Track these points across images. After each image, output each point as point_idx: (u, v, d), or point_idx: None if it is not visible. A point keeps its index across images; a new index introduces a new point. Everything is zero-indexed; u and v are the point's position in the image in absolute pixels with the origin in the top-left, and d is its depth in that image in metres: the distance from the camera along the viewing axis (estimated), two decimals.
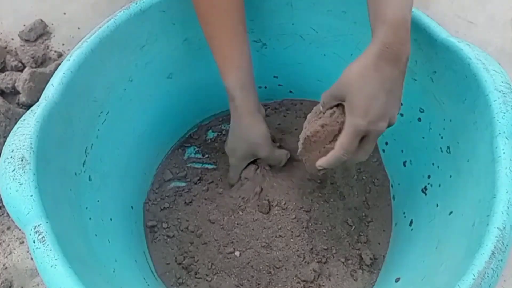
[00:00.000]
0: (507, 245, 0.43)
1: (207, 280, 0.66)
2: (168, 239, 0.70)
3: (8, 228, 0.76)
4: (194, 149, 0.78)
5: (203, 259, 0.67)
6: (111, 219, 0.61)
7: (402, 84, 0.51)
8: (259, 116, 0.66)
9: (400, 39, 0.49)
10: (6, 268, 0.73)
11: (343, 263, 0.66)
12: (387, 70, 0.49)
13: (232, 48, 0.62)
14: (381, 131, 0.51)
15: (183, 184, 0.75)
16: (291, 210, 0.68)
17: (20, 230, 0.76)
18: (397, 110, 0.53)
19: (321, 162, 0.55)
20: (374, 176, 0.73)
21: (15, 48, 0.94)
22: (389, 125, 0.52)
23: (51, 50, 0.96)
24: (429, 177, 0.63)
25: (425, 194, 0.64)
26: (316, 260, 0.66)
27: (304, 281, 0.64)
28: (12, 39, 0.97)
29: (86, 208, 0.56)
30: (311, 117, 0.57)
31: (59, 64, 0.55)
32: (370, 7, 0.52)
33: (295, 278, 0.65)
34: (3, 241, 0.76)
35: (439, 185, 0.61)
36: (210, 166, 0.76)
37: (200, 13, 0.60)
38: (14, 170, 0.46)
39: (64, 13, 1.00)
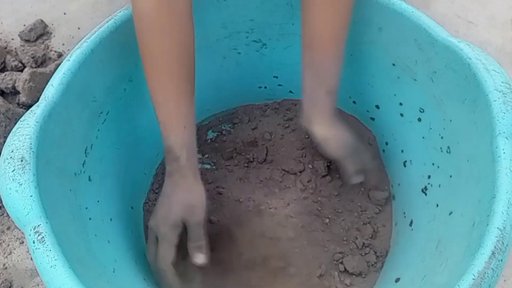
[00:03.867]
0: (507, 245, 0.43)
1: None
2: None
3: (8, 228, 0.76)
4: None
5: None
6: (111, 219, 0.61)
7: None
8: (199, 179, 0.61)
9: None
10: (6, 268, 0.73)
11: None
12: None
13: (178, 105, 0.58)
14: None
15: None
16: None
17: (20, 230, 0.76)
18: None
19: None
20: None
21: (15, 48, 0.94)
22: None
23: (51, 50, 0.96)
24: (429, 177, 0.63)
25: (425, 194, 0.64)
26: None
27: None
28: (12, 39, 0.97)
29: (86, 208, 0.56)
30: None
31: (59, 64, 0.55)
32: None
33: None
34: (3, 241, 0.76)
35: (439, 185, 0.61)
36: (209, 166, 0.76)
37: (145, 65, 0.57)
38: (13, 170, 0.46)
39: (64, 13, 1.00)
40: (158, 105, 0.58)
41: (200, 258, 0.60)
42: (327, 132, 0.63)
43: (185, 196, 0.59)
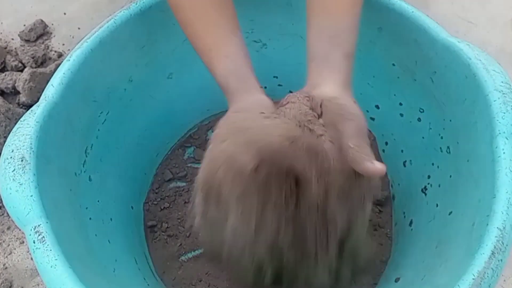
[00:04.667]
0: (507, 245, 0.43)
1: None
2: (168, 239, 0.70)
3: (8, 228, 0.77)
4: (194, 149, 0.78)
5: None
6: (111, 219, 0.61)
7: None
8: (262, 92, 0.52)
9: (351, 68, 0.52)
10: (6, 268, 0.73)
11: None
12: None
13: (217, 39, 0.52)
14: None
15: (183, 184, 0.75)
16: None
17: (20, 230, 0.76)
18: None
19: None
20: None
21: (15, 48, 0.94)
22: None
23: (51, 50, 0.96)
24: (429, 177, 0.63)
25: (425, 194, 0.64)
26: None
27: None
28: (12, 39, 0.97)
29: (86, 208, 0.56)
30: None
31: (59, 64, 0.55)
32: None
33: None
34: (3, 241, 0.76)
35: (439, 185, 0.61)
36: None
37: (179, 7, 0.53)
38: (14, 170, 0.46)
39: (64, 13, 1.00)
40: (198, 46, 0.53)
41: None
42: (343, 96, 0.49)
43: (244, 139, 0.47)
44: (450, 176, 0.58)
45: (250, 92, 0.51)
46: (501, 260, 0.43)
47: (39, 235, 0.44)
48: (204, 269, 0.67)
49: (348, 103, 0.48)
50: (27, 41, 0.96)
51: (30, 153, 0.47)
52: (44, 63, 0.93)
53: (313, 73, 0.51)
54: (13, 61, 0.91)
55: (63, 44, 0.97)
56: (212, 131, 0.79)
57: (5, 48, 0.95)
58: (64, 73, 0.54)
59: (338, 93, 0.48)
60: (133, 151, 0.69)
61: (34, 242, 0.43)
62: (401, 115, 0.67)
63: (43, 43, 0.96)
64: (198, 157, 0.77)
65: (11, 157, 0.47)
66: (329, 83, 0.49)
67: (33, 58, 0.91)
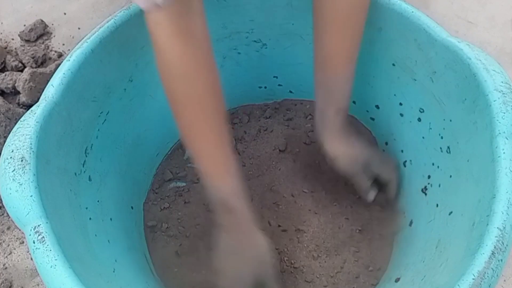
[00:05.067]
0: (507, 245, 0.43)
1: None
2: (168, 239, 0.69)
3: (8, 228, 0.76)
4: None
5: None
6: (111, 219, 0.61)
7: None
8: (257, 228, 0.56)
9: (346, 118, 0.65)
10: (6, 268, 0.73)
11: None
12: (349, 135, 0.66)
13: (224, 153, 0.55)
14: None
15: (183, 184, 0.75)
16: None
17: (20, 230, 0.76)
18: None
19: None
20: None
21: (15, 48, 0.94)
22: None
23: (51, 50, 0.96)
24: (429, 177, 0.63)
25: (425, 194, 0.64)
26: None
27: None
28: (12, 39, 0.97)
29: (86, 208, 0.56)
30: None
31: (59, 64, 0.55)
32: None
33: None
34: (3, 241, 0.76)
35: (439, 185, 0.61)
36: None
37: (176, 114, 0.54)
38: (14, 170, 0.46)
39: (64, 13, 1.00)
40: (201, 155, 0.55)
41: None
42: (337, 150, 0.63)
43: (253, 255, 0.56)
44: (450, 176, 0.58)
45: (254, 226, 0.56)
46: (501, 260, 0.43)
47: (39, 235, 0.44)
48: (203, 269, 0.67)
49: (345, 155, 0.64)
50: (27, 41, 0.96)
51: (30, 153, 0.47)
52: (44, 63, 0.93)
53: (317, 126, 0.64)
54: (13, 61, 0.91)
55: (63, 44, 0.97)
56: None
57: (5, 48, 0.95)
58: (64, 73, 0.54)
59: (336, 147, 0.64)
60: (133, 151, 0.69)
61: (34, 242, 0.44)
62: (401, 115, 0.67)
63: (43, 43, 0.96)
64: None
65: (11, 157, 0.47)
66: (327, 142, 0.63)
67: (33, 58, 0.91)
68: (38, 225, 0.44)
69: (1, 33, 0.98)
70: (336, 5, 0.57)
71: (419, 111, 0.64)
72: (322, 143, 0.64)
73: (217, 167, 0.55)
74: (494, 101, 0.50)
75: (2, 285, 0.71)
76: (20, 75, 0.88)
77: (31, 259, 0.73)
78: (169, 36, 0.51)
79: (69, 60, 0.55)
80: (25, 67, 0.91)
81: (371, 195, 0.66)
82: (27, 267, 0.73)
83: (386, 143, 0.73)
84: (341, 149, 0.64)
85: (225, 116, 0.55)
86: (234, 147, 0.58)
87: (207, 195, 0.55)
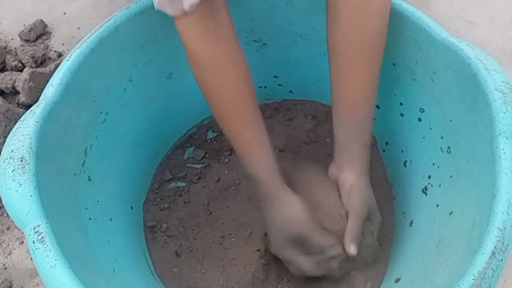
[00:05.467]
0: (507, 245, 0.43)
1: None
2: (168, 239, 0.69)
3: (8, 228, 0.77)
4: (194, 149, 0.78)
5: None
6: (110, 219, 0.61)
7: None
8: (290, 193, 0.59)
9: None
10: (6, 268, 0.73)
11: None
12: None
13: (257, 134, 0.59)
14: None
15: (183, 184, 0.75)
16: None
17: (20, 230, 0.76)
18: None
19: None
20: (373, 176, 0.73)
21: (15, 48, 0.94)
22: None
23: (51, 50, 0.96)
24: (429, 177, 0.63)
25: (425, 194, 0.64)
26: None
27: None
28: (12, 39, 0.97)
29: (86, 208, 0.56)
30: None
31: (59, 64, 0.55)
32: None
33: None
34: (3, 241, 0.76)
35: (439, 185, 0.61)
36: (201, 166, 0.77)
37: (213, 106, 0.59)
38: (13, 170, 0.46)
39: (64, 13, 1.00)
40: (236, 140, 0.59)
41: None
42: (355, 183, 0.61)
43: (286, 215, 0.58)
44: (451, 176, 0.58)
45: (282, 191, 0.59)
46: (502, 260, 0.43)
47: (38, 235, 0.43)
48: (202, 268, 0.67)
49: (362, 190, 0.61)
50: (27, 41, 0.96)
51: (30, 153, 0.47)
52: (44, 63, 0.94)
53: (338, 157, 0.62)
54: (13, 61, 0.91)
55: (63, 44, 0.97)
56: (212, 131, 0.79)
57: (5, 48, 0.95)
58: (64, 73, 0.54)
59: (355, 181, 0.61)
60: (133, 151, 0.69)
61: (33, 242, 0.43)
62: (402, 115, 0.67)
63: (43, 43, 0.96)
64: (197, 157, 0.77)
65: (10, 157, 0.47)
66: (349, 171, 0.61)
67: (33, 58, 0.91)
68: (38, 225, 0.44)
69: (1, 33, 0.98)
70: (351, 43, 0.57)
71: (420, 111, 0.64)
72: (340, 173, 0.61)
73: (253, 148, 0.59)
74: (495, 101, 0.50)
75: (2, 285, 0.72)
76: (19, 75, 0.88)
77: (31, 259, 0.73)
78: (198, 39, 0.55)
79: (68, 60, 0.55)
80: (24, 67, 0.91)
81: (354, 248, 0.59)
82: (27, 267, 0.73)
83: (386, 143, 0.73)
84: (362, 184, 0.61)
85: (255, 100, 0.59)
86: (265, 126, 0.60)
87: (244, 171, 0.60)
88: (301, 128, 0.78)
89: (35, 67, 0.91)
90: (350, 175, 0.61)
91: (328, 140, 0.76)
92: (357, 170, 0.61)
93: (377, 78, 0.59)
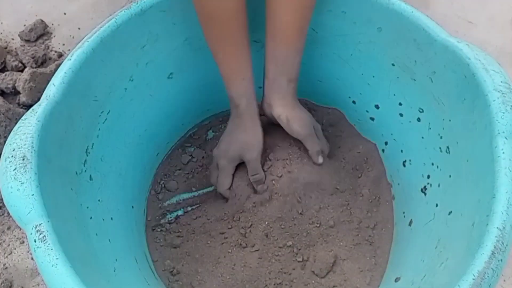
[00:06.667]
0: (507, 245, 0.43)
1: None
2: (169, 239, 0.70)
3: (9, 228, 0.77)
4: (194, 149, 0.78)
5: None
6: (111, 219, 0.61)
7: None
8: (259, 122, 0.68)
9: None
10: (6, 268, 0.73)
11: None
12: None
13: (237, 61, 0.64)
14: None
15: None
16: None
17: (20, 230, 0.76)
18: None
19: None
20: (373, 176, 0.73)
21: (15, 48, 0.94)
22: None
23: (51, 50, 0.96)
24: (428, 177, 0.63)
25: (425, 194, 0.64)
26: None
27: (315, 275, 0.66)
28: (12, 39, 0.97)
29: (87, 207, 0.56)
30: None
31: (60, 64, 0.55)
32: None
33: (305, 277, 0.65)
34: (3, 241, 0.76)
35: (439, 185, 0.61)
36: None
37: (205, 28, 0.62)
38: (15, 169, 0.46)
39: (64, 13, 1.00)
40: (220, 62, 0.64)
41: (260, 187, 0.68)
42: (290, 114, 0.67)
43: (243, 136, 0.68)
44: (450, 176, 0.58)
45: (252, 119, 0.68)
46: (501, 260, 0.43)
47: (40, 234, 0.44)
48: (203, 268, 0.67)
49: (300, 118, 0.69)
50: (27, 41, 0.96)
51: (31, 152, 0.47)
52: (44, 63, 0.93)
53: (267, 93, 0.68)
54: (13, 61, 0.91)
55: (63, 44, 0.97)
56: (212, 131, 0.79)
57: (5, 48, 0.95)
58: (65, 73, 0.54)
59: (289, 112, 0.68)
60: (134, 150, 0.69)
61: (35, 241, 0.44)
62: (401, 115, 0.68)
63: (43, 43, 0.96)
64: (198, 157, 0.77)
65: (12, 156, 0.47)
66: (281, 106, 0.67)
67: (33, 58, 0.91)
68: (40, 224, 0.44)
69: (1, 33, 0.98)
70: None
71: (419, 111, 0.64)
72: (273, 110, 0.68)
73: (231, 73, 0.64)
74: (494, 101, 0.50)
75: (2, 285, 0.72)
76: (20, 75, 0.88)
77: (32, 259, 0.73)
78: None
79: (70, 59, 0.55)
80: (25, 67, 0.91)
81: (320, 158, 0.69)
82: (27, 267, 0.73)
83: (386, 143, 0.73)
84: (294, 113, 0.68)
85: (246, 30, 0.63)
86: (250, 56, 0.64)
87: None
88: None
89: (36, 67, 0.91)
90: (282, 109, 0.67)
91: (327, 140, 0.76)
92: (288, 103, 0.67)
93: (309, 14, 0.63)
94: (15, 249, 0.75)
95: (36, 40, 0.96)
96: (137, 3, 0.60)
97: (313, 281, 0.65)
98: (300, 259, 0.66)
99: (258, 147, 0.68)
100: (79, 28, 0.98)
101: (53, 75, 0.54)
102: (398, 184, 0.71)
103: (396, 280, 0.60)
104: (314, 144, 0.69)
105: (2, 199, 0.72)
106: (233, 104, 0.67)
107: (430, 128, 0.63)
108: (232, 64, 0.64)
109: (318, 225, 0.68)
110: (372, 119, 0.73)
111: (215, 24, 0.61)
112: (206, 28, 0.61)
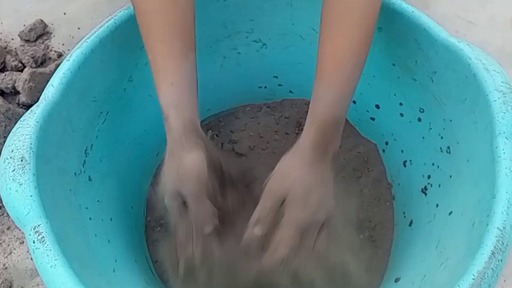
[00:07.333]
0: (507, 245, 0.43)
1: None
2: (169, 239, 0.69)
3: (8, 228, 0.77)
4: None
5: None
6: (111, 219, 0.61)
7: (331, 179, 0.53)
8: (196, 141, 0.53)
9: (328, 138, 0.52)
10: (6, 268, 0.73)
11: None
12: (318, 165, 0.52)
13: (163, 61, 0.53)
14: (320, 222, 0.52)
15: None
16: None
17: (20, 230, 0.76)
18: (331, 203, 0.53)
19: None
20: (373, 176, 0.73)
21: (15, 48, 0.94)
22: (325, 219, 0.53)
23: (51, 50, 0.96)
24: (429, 177, 0.63)
25: (425, 194, 0.64)
26: None
27: None
28: (12, 39, 0.97)
29: (86, 208, 0.56)
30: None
31: (59, 64, 0.55)
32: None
33: None
34: (3, 241, 0.76)
35: (439, 185, 0.61)
36: None
37: (140, 25, 0.55)
38: (14, 170, 0.46)
39: (64, 13, 1.00)
40: (150, 61, 0.54)
41: (206, 229, 0.54)
42: (284, 162, 0.53)
43: (175, 166, 0.52)
44: (450, 176, 0.58)
45: (186, 137, 0.53)
46: (501, 260, 0.43)
47: (39, 235, 0.43)
48: (203, 268, 0.67)
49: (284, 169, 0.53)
50: (27, 41, 0.96)
51: (30, 153, 0.47)
52: (44, 63, 0.94)
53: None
54: (13, 61, 0.91)
55: (63, 44, 0.97)
56: (212, 131, 0.79)
57: (5, 48, 0.95)
58: (64, 73, 0.54)
59: (287, 158, 0.54)
60: (133, 151, 0.69)
61: (34, 242, 0.43)
62: (401, 115, 0.67)
63: (43, 43, 0.96)
64: None
65: (11, 157, 0.47)
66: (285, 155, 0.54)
67: (33, 58, 0.91)
68: (38, 225, 0.44)
69: (1, 33, 0.98)
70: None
71: (419, 111, 0.64)
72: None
73: (157, 75, 0.53)
74: (494, 101, 0.50)
75: (2, 285, 0.72)
76: (20, 75, 0.88)
77: (31, 259, 0.73)
78: None
79: (68, 60, 0.55)
80: (25, 67, 0.91)
81: (258, 229, 0.53)
82: (27, 267, 0.73)
83: (386, 143, 0.73)
84: (286, 169, 0.52)
85: (183, 29, 0.53)
86: (189, 61, 0.54)
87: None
88: (301, 127, 0.78)
89: (35, 67, 0.91)
90: (282, 160, 0.53)
91: None
92: (297, 147, 0.53)
93: (360, 57, 0.55)
94: (15, 249, 0.75)
95: (35, 40, 0.96)
96: None
97: None
98: None
99: (196, 179, 0.52)
100: (78, 28, 0.98)
101: (52, 75, 0.54)
102: (399, 184, 0.71)
103: (396, 280, 0.60)
104: (260, 209, 0.52)
105: (1, 200, 0.72)
106: (164, 117, 0.53)
107: (430, 128, 0.63)
108: (159, 65, 0.53)
109: None
110: (373, 119, 0.73)
111: (147, 21, 0.53)
112: (140, 24, 0.54)
